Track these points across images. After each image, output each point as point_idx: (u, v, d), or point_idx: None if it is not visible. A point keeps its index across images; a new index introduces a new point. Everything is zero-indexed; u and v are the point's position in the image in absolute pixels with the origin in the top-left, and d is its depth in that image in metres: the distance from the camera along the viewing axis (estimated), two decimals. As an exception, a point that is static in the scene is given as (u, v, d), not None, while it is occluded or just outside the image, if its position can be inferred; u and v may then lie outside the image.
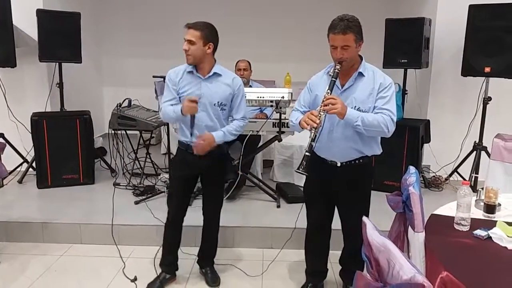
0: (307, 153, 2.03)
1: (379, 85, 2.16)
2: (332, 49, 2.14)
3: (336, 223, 2.44)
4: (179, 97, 2.45)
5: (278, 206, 3.61)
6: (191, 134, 2.41)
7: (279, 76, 5.40)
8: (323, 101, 2.06)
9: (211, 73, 2.43)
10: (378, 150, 2.31)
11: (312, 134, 2.05)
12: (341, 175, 2.26)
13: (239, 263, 2.94)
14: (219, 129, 2.45)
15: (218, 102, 2.44)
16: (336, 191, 2.32)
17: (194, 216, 2.71)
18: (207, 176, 2.57)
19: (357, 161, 2.25)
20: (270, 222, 3.24)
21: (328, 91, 2.08)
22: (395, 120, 2.15)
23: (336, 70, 2.11)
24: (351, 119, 2.07)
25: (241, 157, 3.59)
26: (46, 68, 4.38)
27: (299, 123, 2.15)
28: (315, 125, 2.03)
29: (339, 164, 2.25)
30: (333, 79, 2.10)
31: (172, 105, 2.45)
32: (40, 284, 2.69)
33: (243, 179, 3.81)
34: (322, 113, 2.05)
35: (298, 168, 2.04)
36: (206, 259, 2.75)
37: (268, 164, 4.61)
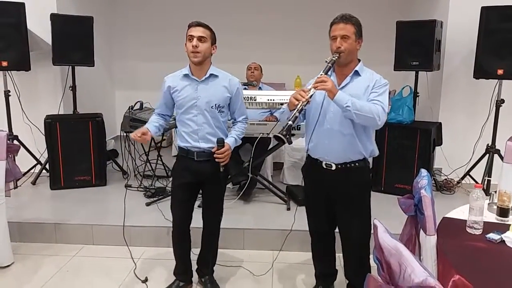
0: (289, 122, 1.99)
1: (375, 82, 2.17)
2: (332, 41, 2.15)
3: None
4: (174, 102, 2.46)
5: (288, 209, 3.61)
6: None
7: (289, 79, 5.42)
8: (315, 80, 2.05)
9: (207, 75, 2.39)
10: (375, 151, 2.27)
11: (299, 106, 1.99)
12: (337, 179, 2.22)
13: (248, 265, 2.94)
14: (217, 131, 2.42)
15: (215, 105, 2.39)
16: (333, 196, 2.28)
17: (200, 217, 2.64)
18: (209, 181, 2.48)
19: (353, 164, 2.21)
20: (280, 225, 3.23)
21: (322, 73, 2.06)
22: (386, 111, 2.13)
23: (334, 58, 2.10)
24: (341, 100, 2.03)
25: (251, 159, 3.60)
26: (60, 71, 4.44)
27: (288, 102, 2.10)
28: (303, 99, 1.99)
29: (334, 167, 2.21)
30: (329, 64, 2.09)
31: (159, 114, 2.53)
32: (52, 284, 2.73)
33: (253, 182, 3.82)
34: (312, 90, 2.02)
35: (278, 133, 1.97)
36: (205, 268, 2.67)
37: (278, 166, 4.61)
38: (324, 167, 2.24)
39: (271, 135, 3.60)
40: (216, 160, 2.37)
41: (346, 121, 2.14)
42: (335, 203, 2.31)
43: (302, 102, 1.99)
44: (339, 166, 2.21)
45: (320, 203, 2.35)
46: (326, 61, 2.13)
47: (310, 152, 2.30)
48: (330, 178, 2.24)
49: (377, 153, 2.30)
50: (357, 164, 2.22)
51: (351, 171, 2.21)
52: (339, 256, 2.57)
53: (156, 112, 2.55)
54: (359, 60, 2.24)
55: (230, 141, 2.44)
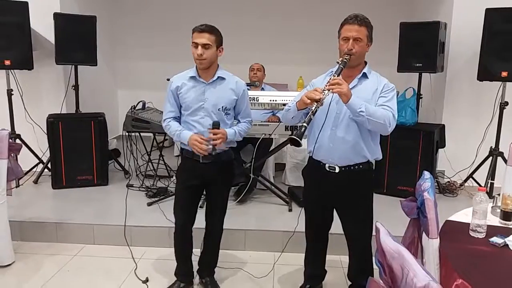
0: (304, 124, 1.95)
1: (383, 86, 2.15)
2: (343, 41, 2.10)
3: (337, 227, 2.40)
4: (181, 105, 2.41)
5: (290, 210, 3.60)
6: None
7: (292, 79, 5.40)
8: (328, 82, 2.00)
9: (215, 78, 2.38)
10: (379, 155, 2.25)
11: (314, 108, 1.96)
12: (340, 182, 2.20)
13: (249, 266, 2.93)
14: None
15: (222, 107, 2.39)
16: (335, 199, 2.27)
17: (202, 218, 2.63)
18: (214, 183, 2.48)
19: (356, 167, 2.19)
20: (281, 226, 3.22)
21: (335, 75, 2.02)
22: (396, 117, 2.10)
23: (344, 60, 2.06)
24: (355, 104, 1.99)
25: (252, 160, 3.59)
26: (62, 70, 4.44)
27: (300, 100, 2.06)
28: (317, 98, 1.94)
29: (337, 170, 2.19)
30: (341, 66, 2.05)
31: (174, 118, 2.45)
32: (53, 283, 2.73)
33: (255, 182, 3.81)
34: (326, 91, 1.97)
35: (292, 134, 1.94)
36: (207, 269, 2.67)
37: (280, 167, 4.60)
38: (327, 169, 2.22)
39: (273, 136, 3.60)
40: (208, 138, 2.31)
41: (352, 124, 2.12)
42: (336, 205, 2.31)
43: (317, 104, 1.95)
44: (343, 168, 2.19)
45: (319, 205, 2.35)
46: (337, 62, 2.09)
47: (314, 154, 2.27)
48: (333, 180, 2.21)
49: (380, 157, 2.27)
50: (361, 166, 2.20)
51: (354, 173, 2.19)
52: (329, 260, 2.57)
53: (171, 116, 2.46)
54: (366, 62, 2.21)
55: (230, 131, 2.39)
